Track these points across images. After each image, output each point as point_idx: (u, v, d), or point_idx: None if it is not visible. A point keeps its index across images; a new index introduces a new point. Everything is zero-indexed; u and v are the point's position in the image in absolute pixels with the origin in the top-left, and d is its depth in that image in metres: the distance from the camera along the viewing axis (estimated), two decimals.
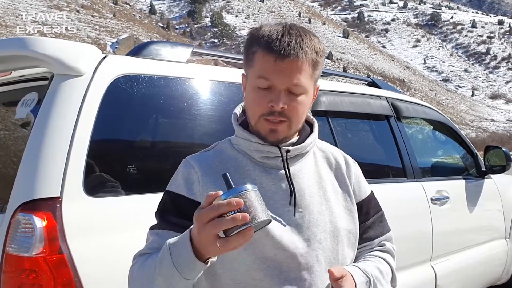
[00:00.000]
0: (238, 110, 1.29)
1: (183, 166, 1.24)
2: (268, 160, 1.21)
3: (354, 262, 1.27)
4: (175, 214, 1.18)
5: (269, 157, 1.20)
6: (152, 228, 1.22)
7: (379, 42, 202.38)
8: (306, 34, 1.16)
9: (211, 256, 1.00)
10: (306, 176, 1.23)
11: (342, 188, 1.27)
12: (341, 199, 1.26)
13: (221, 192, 0.95)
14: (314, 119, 1.30)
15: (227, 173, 0.99)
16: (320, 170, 1.26)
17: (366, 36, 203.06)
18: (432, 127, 3.94)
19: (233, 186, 0.97)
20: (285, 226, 1.17)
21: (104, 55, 1.89)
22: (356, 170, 1.33)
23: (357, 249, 1.29)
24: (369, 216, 1.31)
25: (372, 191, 1.35)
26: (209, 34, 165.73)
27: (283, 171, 1.20)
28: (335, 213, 1.22)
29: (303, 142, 1.23)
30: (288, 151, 1.20)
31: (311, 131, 1.27)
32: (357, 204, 1.29)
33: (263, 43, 1.14)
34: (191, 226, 1.01)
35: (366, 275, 1.18)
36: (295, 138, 1.23)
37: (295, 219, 1.18)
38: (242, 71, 1.27)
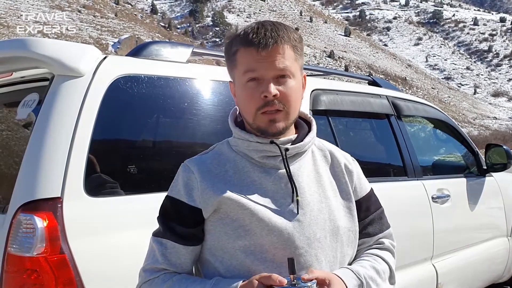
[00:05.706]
0: (234, 112, 1.29)
1: (183, 170, 1.24)
2: (267, 160, 1.21)
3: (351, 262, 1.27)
4: (177, 222, 1.19)
5: (268, 156, 1.20)
6: (155, 235, 1.22)
7: (380, 40, 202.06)
8: (279, 24, 1.20)
9: None
10: (305, 174, 1.23)
11: (340, 186, 1.27)
12: (340, 197, 1.26)
13: (285, 282, 1.04)
14: (312, 118, 1.30)
15: (294, 258, 1.06)
16: (318, 168, 1.26)
17: (368, 35, 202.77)
18: (432, 125, 3.93)
19: (296, 272, 1.04)
20: (286, 225, 1.16)
21: (104, 55, 1.90)
22: (357, 168, 1.33)
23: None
24: (369, 212, 1.31)
25: (371, 188, 1.35)
26: (210, 33, 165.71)
27: (282, 170, 1.20)
28: (334, 211, 1.22)
29: (302, 141, 1.23)
30: (287, 149, 1.20)
31: (310, 130, 1.27)
32: (357, 201, 1.28)
33: (241, 40, 1.17)
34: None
35: (359, 278, 1.18)
36: (294, 136, 1.23)
37: (297, 218, 1.18)
38: None
